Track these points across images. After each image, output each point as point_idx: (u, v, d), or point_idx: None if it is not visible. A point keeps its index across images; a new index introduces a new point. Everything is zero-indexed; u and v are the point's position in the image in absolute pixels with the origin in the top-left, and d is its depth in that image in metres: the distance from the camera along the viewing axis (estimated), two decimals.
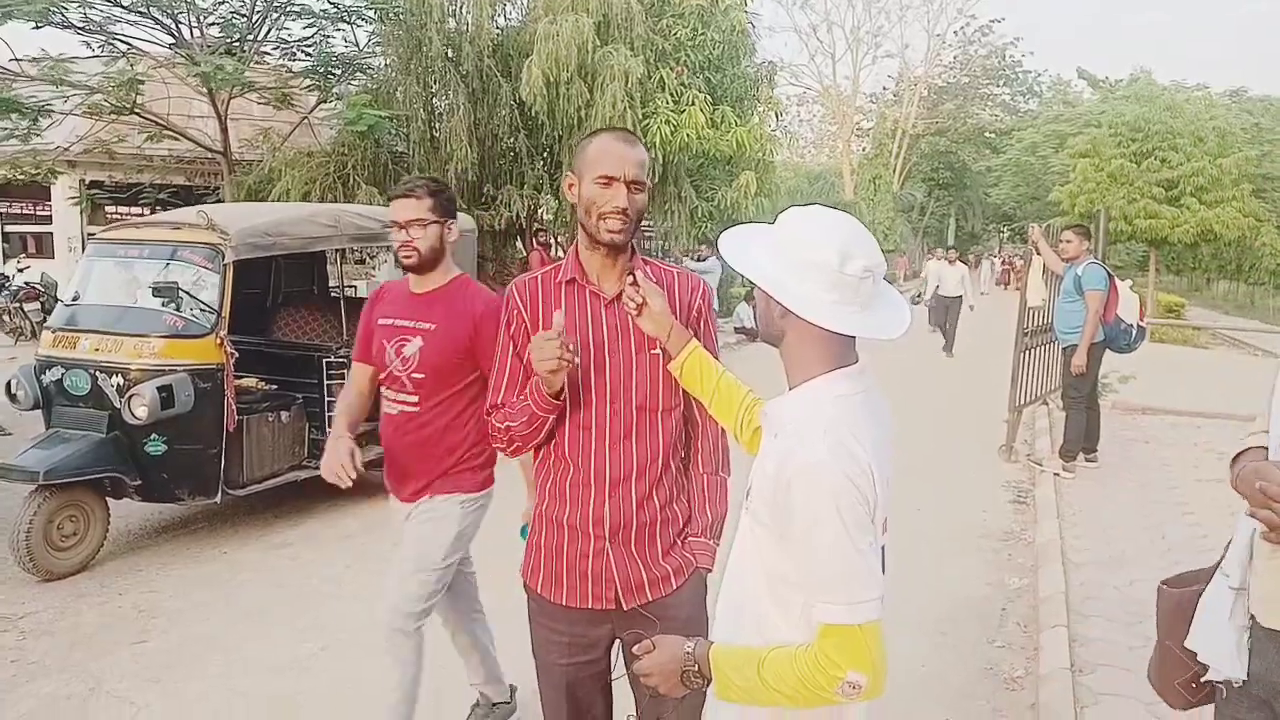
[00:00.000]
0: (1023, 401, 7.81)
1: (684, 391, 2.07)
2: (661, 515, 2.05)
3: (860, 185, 39.08)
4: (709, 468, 2.15)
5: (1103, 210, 10.39)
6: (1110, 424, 7.67)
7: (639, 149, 1.98)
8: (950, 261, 15.60)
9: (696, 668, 1.58)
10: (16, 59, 11.46)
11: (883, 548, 1.53)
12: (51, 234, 16.11)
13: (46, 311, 11.92)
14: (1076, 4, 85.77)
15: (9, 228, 17.04)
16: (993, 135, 44.04)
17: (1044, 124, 31.63)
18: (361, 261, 14.47)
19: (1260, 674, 1.73)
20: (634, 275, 1.98)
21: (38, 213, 17.18)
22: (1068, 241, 6.90)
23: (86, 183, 14.59)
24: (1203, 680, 1.82)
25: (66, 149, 12.84)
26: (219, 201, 12.18)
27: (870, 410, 1.53)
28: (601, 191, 1.91)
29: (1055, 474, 6.77)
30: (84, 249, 6.28)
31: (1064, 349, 6.99)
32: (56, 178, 13.42)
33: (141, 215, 12.94)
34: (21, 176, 12.65)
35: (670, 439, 2.06)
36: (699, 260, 15.13)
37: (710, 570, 2.10)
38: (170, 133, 12.30)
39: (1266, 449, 1.74)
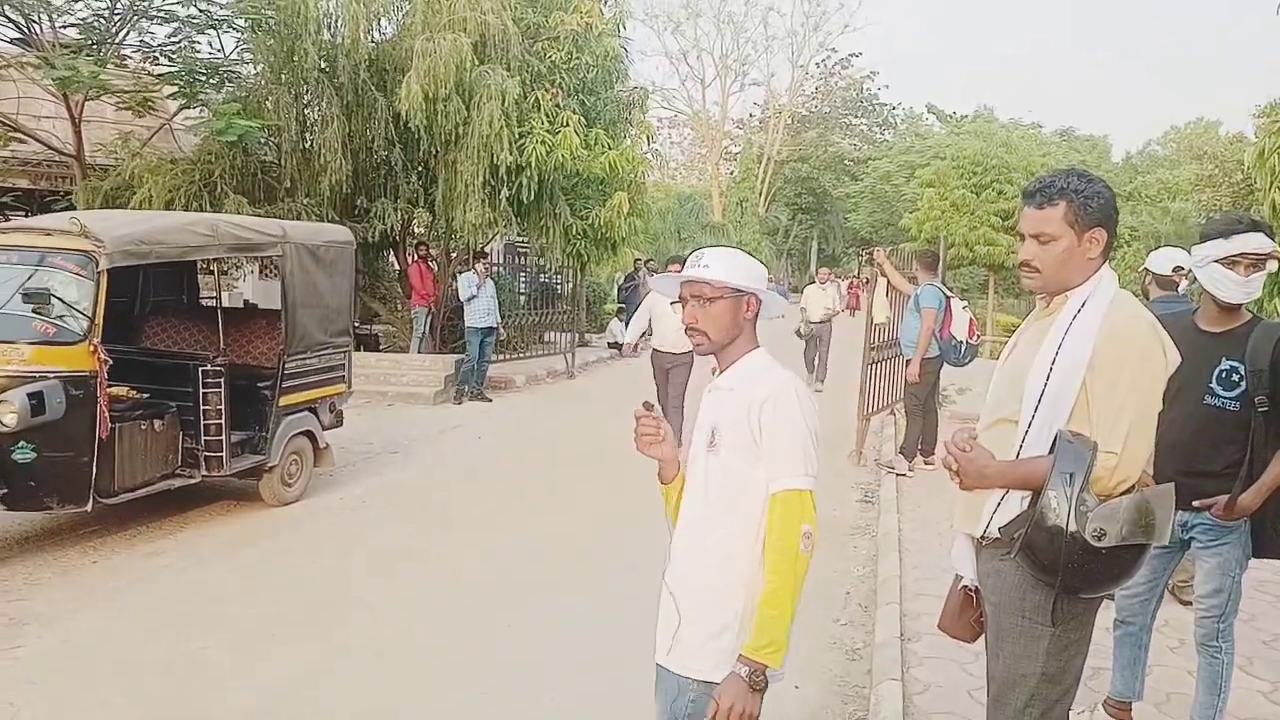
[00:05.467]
0: (870, 410, 8.48)
1: None
2: None
3: (728, 208, 40.44)
4: None
5: (942, 237, 11.34)
6: (946, 431, 8.37)
7: None
8: (820, 282, 14.37)
9: (754, 672, 1.89)
10: None
11: None
12: None
13: None
14: (933, 42, 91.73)
15: None
16: (851, 163, 46.33)
17: (897, 155, 33.64)
18: (225, 273, 14.13)
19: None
20: (648, 403, 2.23)
21: None
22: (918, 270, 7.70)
23: None
24: (965, 588, 2.41)
25: None
26: (70, 207, 11.66)
27: None
28: None
29: (899, 475, 7.43)
30: None
31: (906, 361, 7.69)
32: None
33: None
34: None
35: None
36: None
37: None
38: (16, 134, 11.72)
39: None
